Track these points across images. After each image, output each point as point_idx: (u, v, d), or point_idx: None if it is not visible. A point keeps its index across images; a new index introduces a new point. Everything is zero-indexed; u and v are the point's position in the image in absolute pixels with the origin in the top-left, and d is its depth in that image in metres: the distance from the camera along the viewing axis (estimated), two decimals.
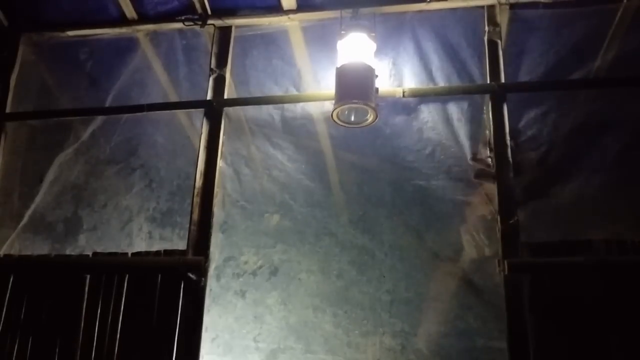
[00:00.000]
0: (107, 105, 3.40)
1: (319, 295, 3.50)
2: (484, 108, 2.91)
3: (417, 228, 3.42)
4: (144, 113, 3.30)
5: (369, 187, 3.51)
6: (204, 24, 3.27)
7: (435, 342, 3.24)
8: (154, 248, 3.22)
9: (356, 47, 2.91)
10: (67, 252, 3.39)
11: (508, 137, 2.76)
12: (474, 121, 3.08)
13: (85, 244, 3.43)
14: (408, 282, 3.39)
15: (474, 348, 3.14)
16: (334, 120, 2.89)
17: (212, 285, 3.27)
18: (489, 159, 2.76)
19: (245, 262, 3.59)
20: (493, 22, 3.00)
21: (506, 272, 2.51)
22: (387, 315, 3.35)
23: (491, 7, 3.03)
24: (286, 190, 3.53)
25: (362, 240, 3.51)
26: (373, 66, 2.89)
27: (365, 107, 2.80)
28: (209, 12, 3.26)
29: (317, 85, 3.25)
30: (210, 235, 2.86)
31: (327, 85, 3.10)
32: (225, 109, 3.12)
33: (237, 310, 3.49)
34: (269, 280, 3.56)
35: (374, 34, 2.94)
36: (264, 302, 3.51)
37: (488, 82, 2.90)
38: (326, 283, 3.51)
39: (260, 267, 3.58)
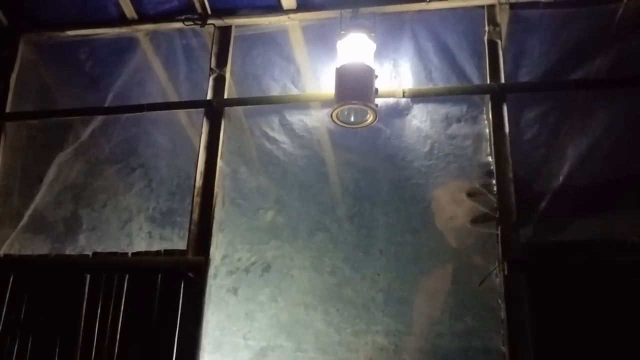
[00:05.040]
0: (107, 105, 3.41)
1: (311, 293, 3.47)
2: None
3: (414, 225, 3.41)
4: (144, 113, 3.31)
5: (366, 184, 3.50)
6: (204, 24, 3.27)
7: (431, 342, 3.22)
8: (154, 248, 3.22)
9: (356, 47, 2.91)
10: (67, 252, 3.39)
11: (508, 138, 2.77)
12: (474, 121, 3.07)
13: (85, 244, 3.43)
14: (403, 280, 3.37)
15: (470, 348, 3.13)
16: (334, 121, 2.89)
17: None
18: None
19: (239, 259, 3.57)
20: (493, 22, 3.00)
21: (505, 272, 2.52)
22: (380, 314, 3.34)
23: (491, 7, 3.03)
24: (282, 185, 3.53)
25: (356, 237, 3.49)
26: (373, 66, 2.89)
27: (364, 107, 2.80)
28: (209, 11, 3.26)
29: (316, 83, 3.26)
30: (211, 235, 2.87)
31: (327, 84, 3.11)
32: (225, 108, 3.13)
33: (229, 308, 3.47)
34: (262, 277, 3.54)
35: (373, 34, 2.94)
36: (256, 299, 3.49)
37: (488, 82, 2.90)
38: (319, 280, 3.48)
39: (253, 263, 3.56)
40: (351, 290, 3.42)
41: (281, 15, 3.21)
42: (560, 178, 3.00)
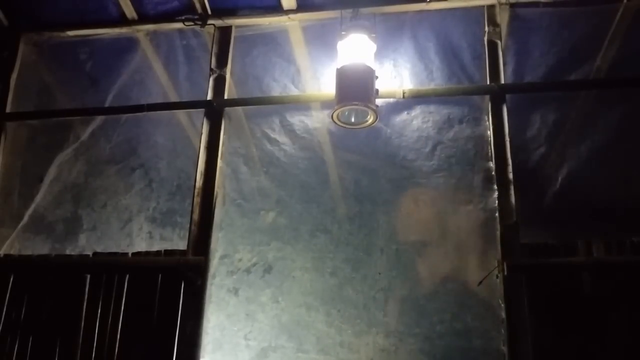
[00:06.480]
0: (107, 105, 3.41)
1: (313, 294, 3.47)
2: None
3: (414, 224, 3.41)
4: (144, 113, 3.31)
5: (366, 184, 3.50)
6: (204, 24, 3.27)
7: (431, 342, 3.22)
8: (154, 248, 3.22)
9: (356, 48, 2.91)
10: (67, 252, 3.39)
11: (507, 138, 2.77)
12: (474, 121, 3.08)
13: (85, 244, 3.43)
14: (404, 280, 3.37)
15: (470, 348, 3.13)
16: (334, 122, 2.90)
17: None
18: None
19: (240, 260, 3.57)
20: (493, 22, 3.00)
21: (505, 273, 2.52)
22: (381, 315, 3.34)
23: (491, 7, 3.03)
24: (283, 186, 3.53)
25: (357, 237, 3.49)
26: (373, 67, 2.89)
27: (365, 108, 2.80)
28: (209, 12, 3.26)
29: (316, 84, 3.26)
30: (211, 235, 2.87)
31: (327, 85, 3.11)
32: (226, 109, 3.13)
33: (229, 308, 3.48)
34: (263, 278, 3.54)
35: (374, 35, 2.94)
36: (257, 299, 3.49)
37: (488, 83, 2.90)
38: (320, 281, 3.48)
39: (255, 264, 3.56)
40: (352, 291, 3.43)
41: (281, 15, 3.21)
42: (560, 178, 3.01)
